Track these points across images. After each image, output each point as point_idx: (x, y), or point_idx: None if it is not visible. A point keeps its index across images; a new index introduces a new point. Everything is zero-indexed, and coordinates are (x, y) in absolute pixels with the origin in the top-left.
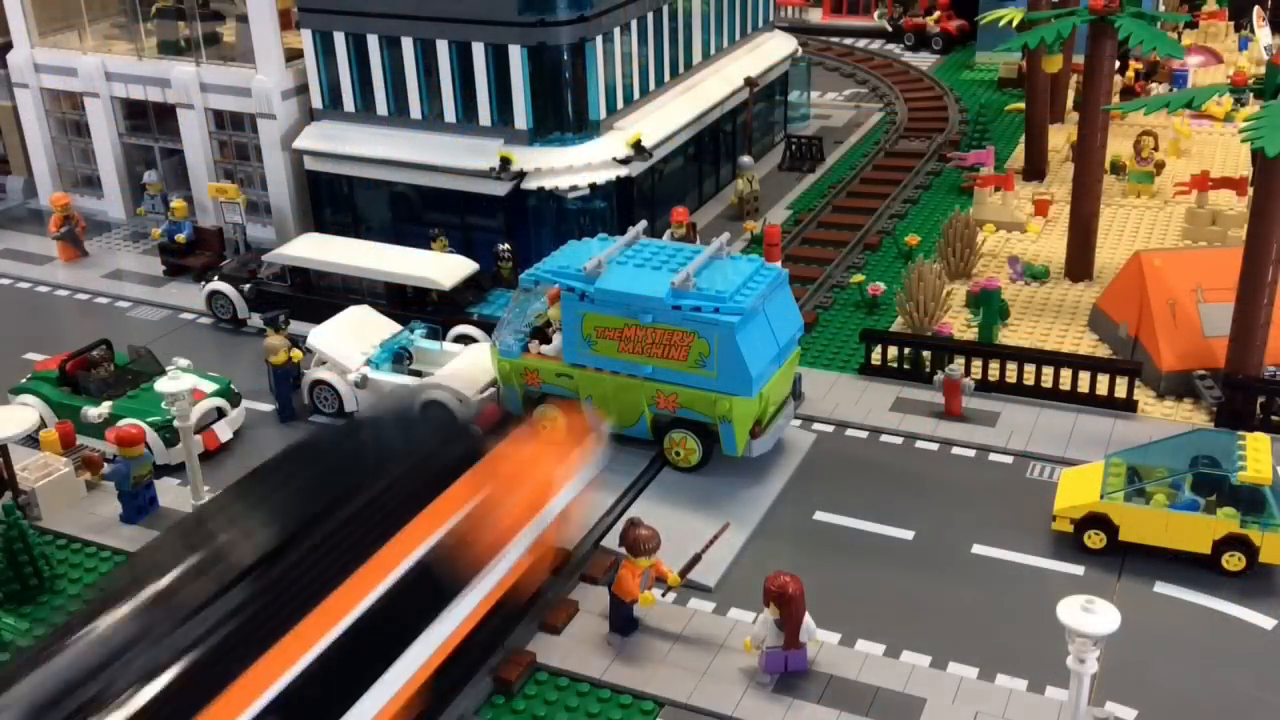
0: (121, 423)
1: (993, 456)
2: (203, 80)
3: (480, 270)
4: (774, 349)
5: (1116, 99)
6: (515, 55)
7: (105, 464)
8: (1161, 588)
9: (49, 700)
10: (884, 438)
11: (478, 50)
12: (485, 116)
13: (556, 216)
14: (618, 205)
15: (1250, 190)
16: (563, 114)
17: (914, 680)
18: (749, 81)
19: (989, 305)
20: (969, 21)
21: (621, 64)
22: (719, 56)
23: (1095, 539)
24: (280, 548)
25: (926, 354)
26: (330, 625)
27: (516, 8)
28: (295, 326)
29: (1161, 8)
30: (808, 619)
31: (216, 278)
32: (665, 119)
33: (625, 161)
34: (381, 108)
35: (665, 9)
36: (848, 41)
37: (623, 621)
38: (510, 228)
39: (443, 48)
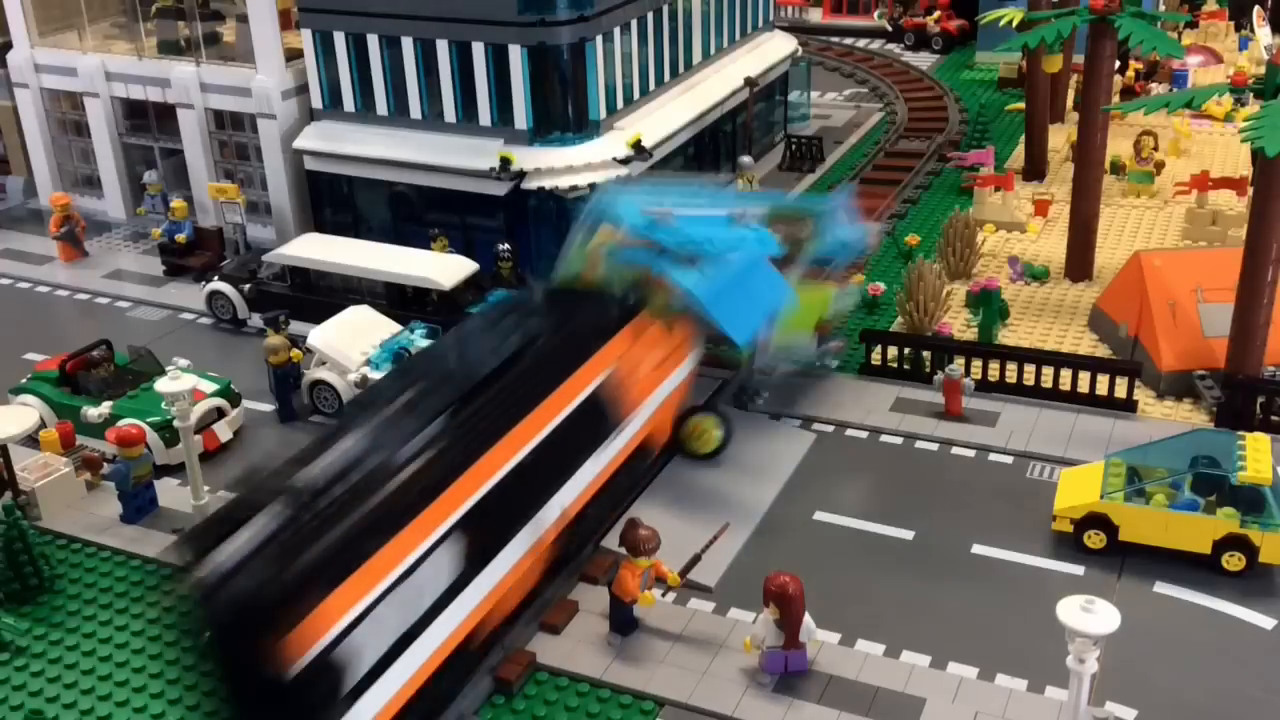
0: (121, 423)
1: (993, 456)
2: (203, 80)
3: (480, 270)
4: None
5: (1116, 99)
6: (515, 55)
7: (105, 464)
8: (1161, 588)
9: (322, 485)
10: (884, 438)
11: (478, 50)
12: (485, 116)
13: (556, 216)
14: None
15: (1250, 190)
16: (563, 114)
17: (914, 680)
18: (749, 81)
19: (989, 305)
20: (969, 21)
21: (621, 64)
22: (719, 56)
23: (1095, 539)
24: (478, 388)
25: (926, 354)
26: (517, 451)
27: (516, 8)
28: (295, 326)
29: (1161, 8)
30: (808, 619)
31: (216, 278)
32: (665, 119)
33: (625, 161)
34: (381, 108)
35: (665, 9)
36: (848, 41)
37: (623, 621)
38: (510, 228)
39: (443, 48)
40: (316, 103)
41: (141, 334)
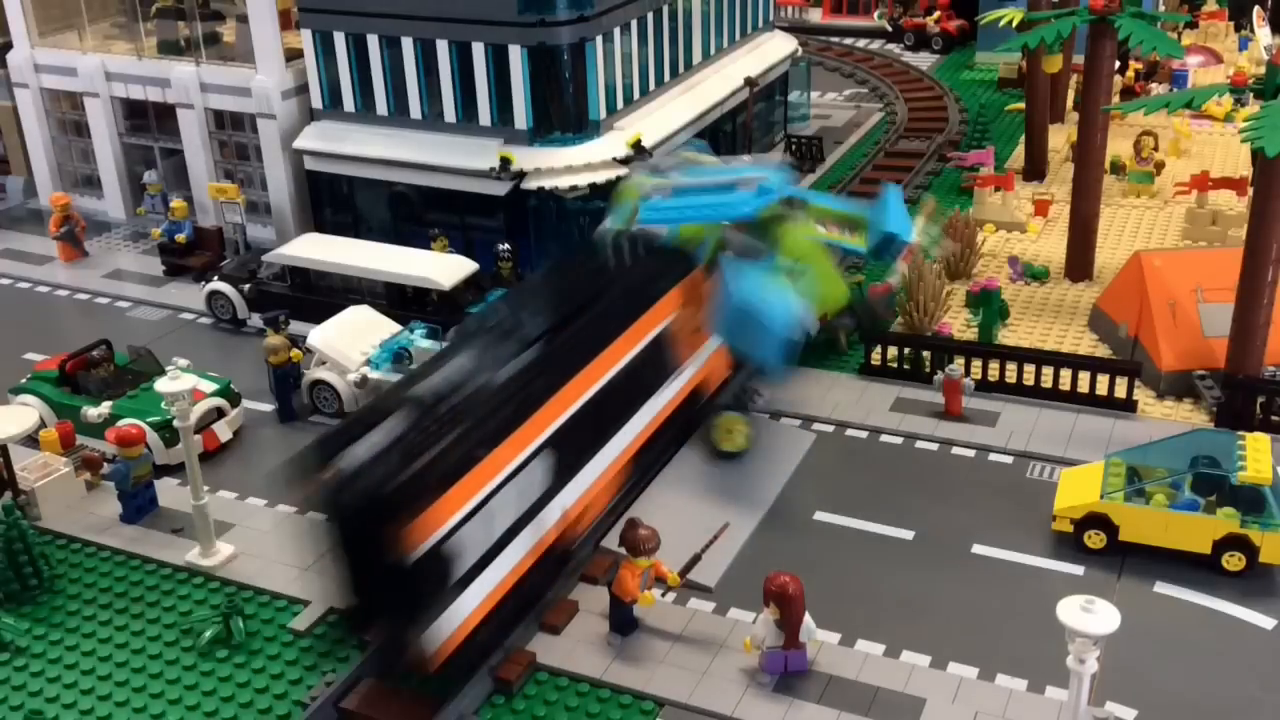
0: (121, 423)
1: (993, 456)
2: (203, 80)
3: (480, 270)
4: None
5: (1116, 99)
6: (515, 55)
7: (105, 464)
8: (1161, 588)
9: (435, 400)
10: (884, 438)
11: (478, 50)
12: (485, 116)
13: (556, 216)
14: None
15: (1250, 190)
16: (563, 114)
17: (914, 680)
18: (749, 81)
19: (989, 305)
20: (969, 21)
21: (621, 64)
22: (719, 56)
23: (1095, 539)
24: (561, 324)
25: (926, 354)
26: (595, 381)
27: (516, 8)
28: (295, 326)
29: (1161, 8)
30: (808, 619)
31: (216, 278)
32: (665, 119)
33: (625, 161)
34: (381, 108)
35: (665, 9)
36: (848, 41)
37: (623, 621)
38: (510, 228)
39: (443, 48)
40: (316, 103)
41: (141, 334)
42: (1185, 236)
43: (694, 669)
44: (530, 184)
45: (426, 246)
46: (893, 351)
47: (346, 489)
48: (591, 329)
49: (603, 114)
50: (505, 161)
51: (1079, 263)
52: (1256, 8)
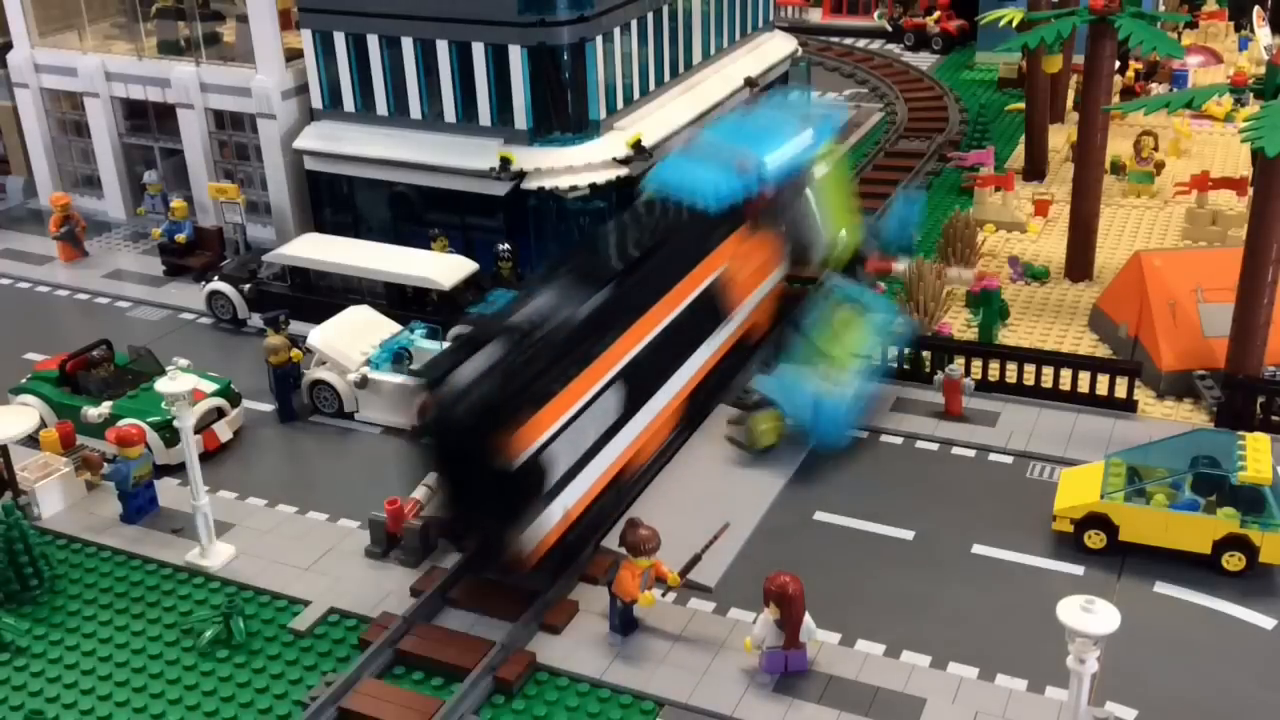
0: (121, 423)
1: (993, 456)
2: (203, 80)
3: (480, 270)
4: None
5: (1116, 99)
6: (515, 55)
7: (105, 464)
8: (1161, 588)
9: (527, 329)
10: (884, 438)
11: (478, 50)
12: (485, 116)
13: (556, 216)
14: (617, 205)
15: (1250, 190)
16: (563, 114)
17: (914, 680)
18: (749, 81)
19: (989, 305)
20: (969, 21)
21: (621, 64)
22: (719, 56)
23: (1095, 539)
24: (630, 268)
25: (926, 354)
26: (658, 323)
27: (516, 8)
28: (295, 326)
29: (1161, 8)
30: (808, 619)
31: (216, 278)
32: (665, 119)
33: (625, 161)
34: (381, 108)
35: (665, 9)
36: (848, 41)
37: (623, 621)
38: (510, 228)
39: (443, 48)
40: (316, 103)
41: (141, 334)
42: (1185, 236)
43: (694, 669)
44: (530, 184)
45: (426, 246)
46: (893, 351)
47: (458, 404)
48: (657, 275)
49: (603, 114)
50: (505, 161)
51: (1079, 263)
52: (1256, 8)
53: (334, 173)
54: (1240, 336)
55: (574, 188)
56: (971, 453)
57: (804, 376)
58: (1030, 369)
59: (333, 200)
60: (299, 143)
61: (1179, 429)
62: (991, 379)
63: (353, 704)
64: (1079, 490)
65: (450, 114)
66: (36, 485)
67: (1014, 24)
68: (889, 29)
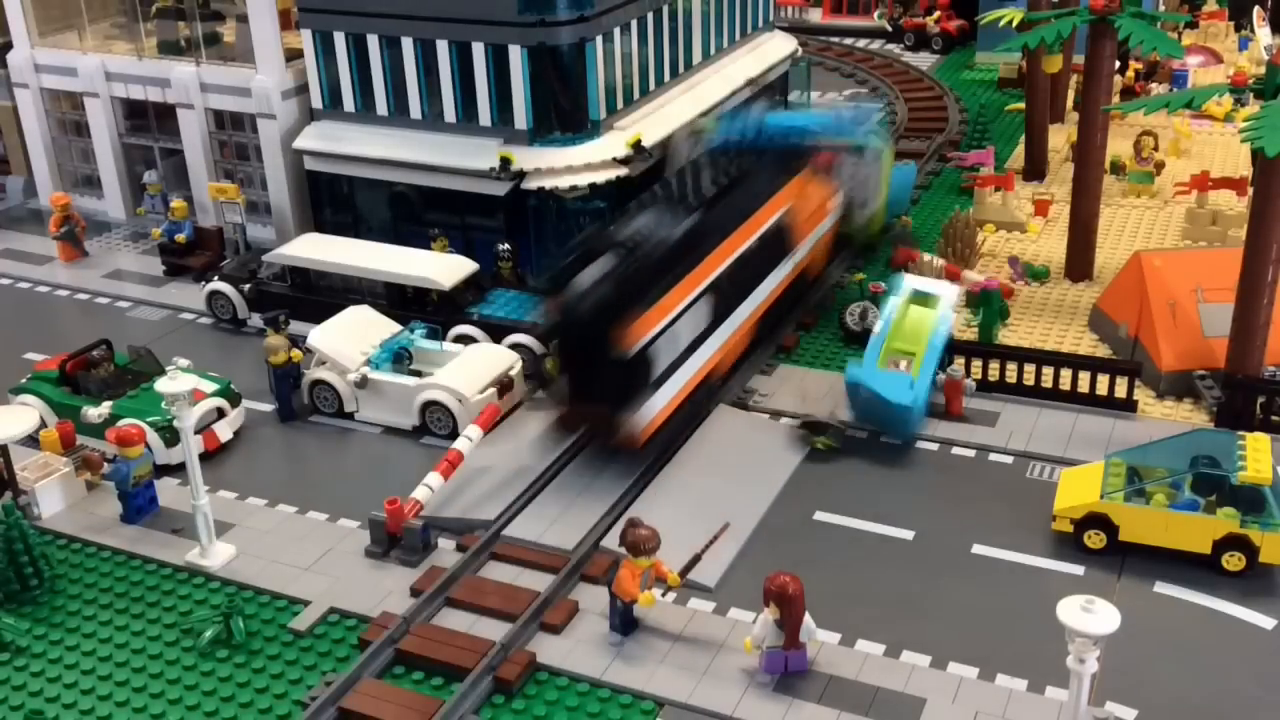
0: (121, 423)
1: (993, 456)
2: (203, 80)
3: (480, 270)
4: None
5: (1116, 99)
6: (515, 55)
7: (105, 464)
8: (1161, 588)
9: (634, 243)
10: (884, 438)
11: (478, 50)
12: (485, 116)
13: (556, 216)
14: (618, 205)
15: (1250, 190)
16: (563, 114)
17: (914, 680)
18: (749, 82)
19: (989, 305)
20: (969, 21)
21: (621, 64)
22: (719, 56)
23: (1095, 539)
24: (717, 196)
25: None
26: (741, 245)
27: (516, 8)
28: (295, 326)
29: (1161, 8)
30: (808, 619)
31: (216, 278)
32: (665, 119)
33: (625, 161)
34: (381, 108)
35: (665, 9)
36: (848, 41)
37: (623, 621)
38: (510, 228)
39: (443, 48)
40: (316, 103)
41: (141, 334)
42: (1185, 236)
43: (694, 669)
44: (530, 184)
45: (426, 246)
46: None
47: (580, 303)
48: (735, 204)
49: (603, 114)
50: (505, 161)
51: (1079, 263)
52: (1256, 8)
53: (334, 173)
54: (1240, 336)
55: (574, 188)
56: (972, 453)
57: (886, 369)
58: (1030, 369)
59: (333, 200)
60: (299, 143)
61: (1179, 429)
62: (991, 379)
63: (352, 704)
64: (1079, 490)
65: (450, 114)
66: (36, 485)
67: (1014, 24)
68: (889, 29)
